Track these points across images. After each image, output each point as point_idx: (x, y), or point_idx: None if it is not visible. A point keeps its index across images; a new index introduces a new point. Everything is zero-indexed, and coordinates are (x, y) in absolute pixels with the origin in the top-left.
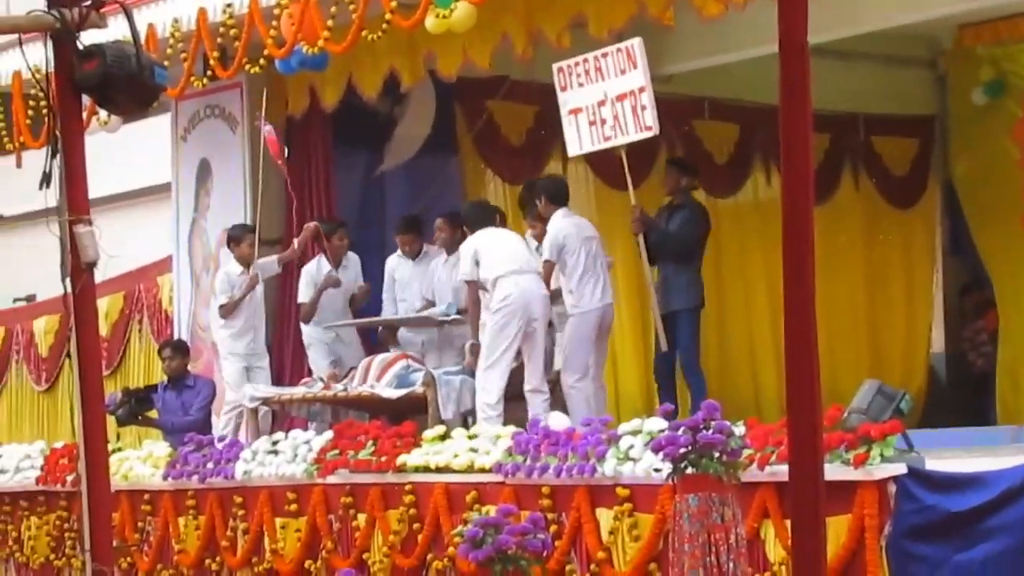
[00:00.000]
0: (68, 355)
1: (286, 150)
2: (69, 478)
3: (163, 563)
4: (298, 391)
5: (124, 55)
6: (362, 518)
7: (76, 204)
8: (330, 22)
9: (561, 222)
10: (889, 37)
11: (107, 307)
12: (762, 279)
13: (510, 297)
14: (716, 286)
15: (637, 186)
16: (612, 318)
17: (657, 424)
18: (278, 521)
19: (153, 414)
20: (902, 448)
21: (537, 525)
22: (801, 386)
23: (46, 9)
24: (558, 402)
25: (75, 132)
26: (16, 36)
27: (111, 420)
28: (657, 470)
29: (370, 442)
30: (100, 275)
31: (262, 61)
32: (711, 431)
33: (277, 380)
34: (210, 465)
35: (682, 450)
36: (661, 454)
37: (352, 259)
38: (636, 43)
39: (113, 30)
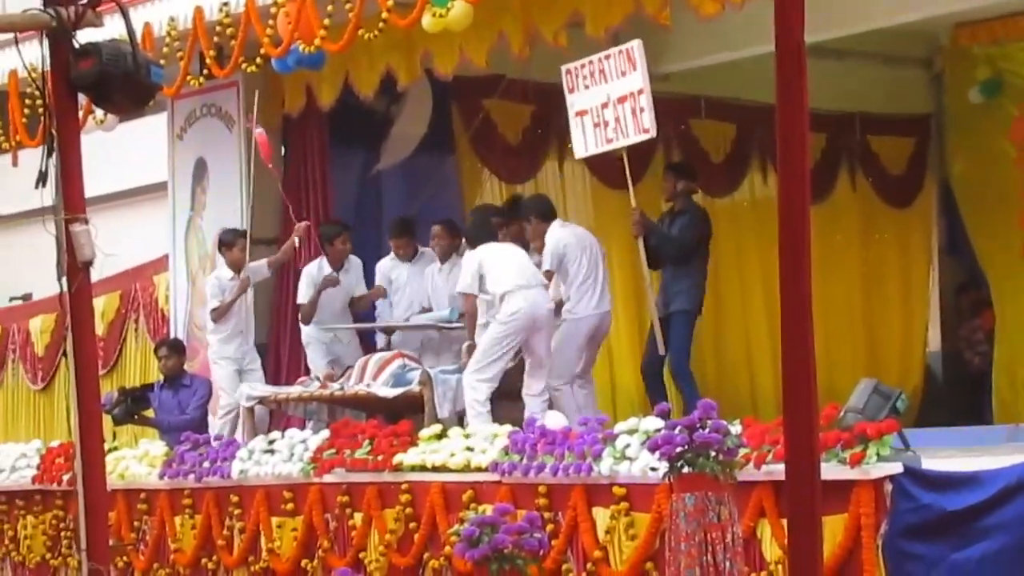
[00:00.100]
0: (64, 354)
1: (282, 150)
2: (65, 477)
3: (159, 562)
4: (295, 390)
5: (120, 54)
6: (358, 517)
7: (72, 203)
8: (327, 21)
9: (560, 232)
10: (885, 36)
11: (103, 306)
12: (759, 278)
13: (519, 312)
14: (713, 285)
15: (633, 186)
16: (609, 325)
17: (653, 423)
18: (274, 520)
19: (149, 413)
20: (898, 447)
21: (533, 524)
22: (797, 385)
23: (42, 8)
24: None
25: (71, 131)
26: (12, 35)
27: (107, 419)
28: (653, 469)
29: (366, 441)
30: (96, 274)
31: (258, 60)
32: (707, 430)
33: (274, 379)
34: (206, 464)
35: (678, 449)
36: (657, 453)
37: (354, 262)
38: (636, 45)
39: (109, 29)
